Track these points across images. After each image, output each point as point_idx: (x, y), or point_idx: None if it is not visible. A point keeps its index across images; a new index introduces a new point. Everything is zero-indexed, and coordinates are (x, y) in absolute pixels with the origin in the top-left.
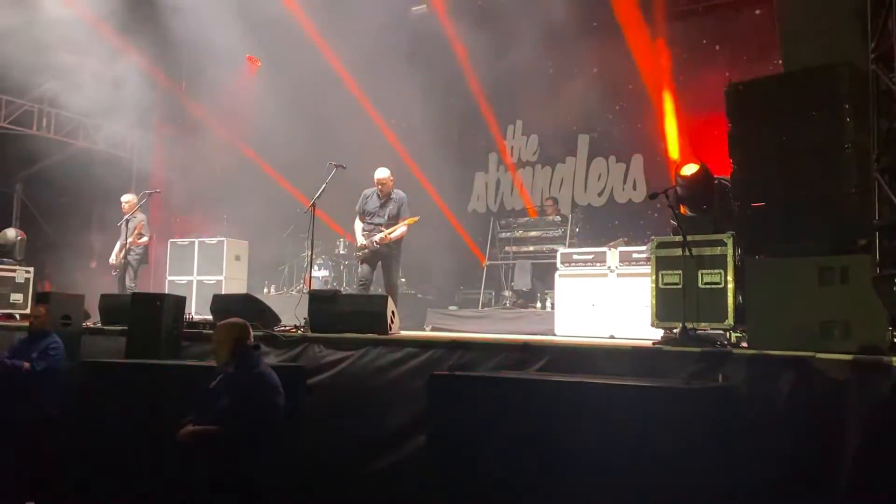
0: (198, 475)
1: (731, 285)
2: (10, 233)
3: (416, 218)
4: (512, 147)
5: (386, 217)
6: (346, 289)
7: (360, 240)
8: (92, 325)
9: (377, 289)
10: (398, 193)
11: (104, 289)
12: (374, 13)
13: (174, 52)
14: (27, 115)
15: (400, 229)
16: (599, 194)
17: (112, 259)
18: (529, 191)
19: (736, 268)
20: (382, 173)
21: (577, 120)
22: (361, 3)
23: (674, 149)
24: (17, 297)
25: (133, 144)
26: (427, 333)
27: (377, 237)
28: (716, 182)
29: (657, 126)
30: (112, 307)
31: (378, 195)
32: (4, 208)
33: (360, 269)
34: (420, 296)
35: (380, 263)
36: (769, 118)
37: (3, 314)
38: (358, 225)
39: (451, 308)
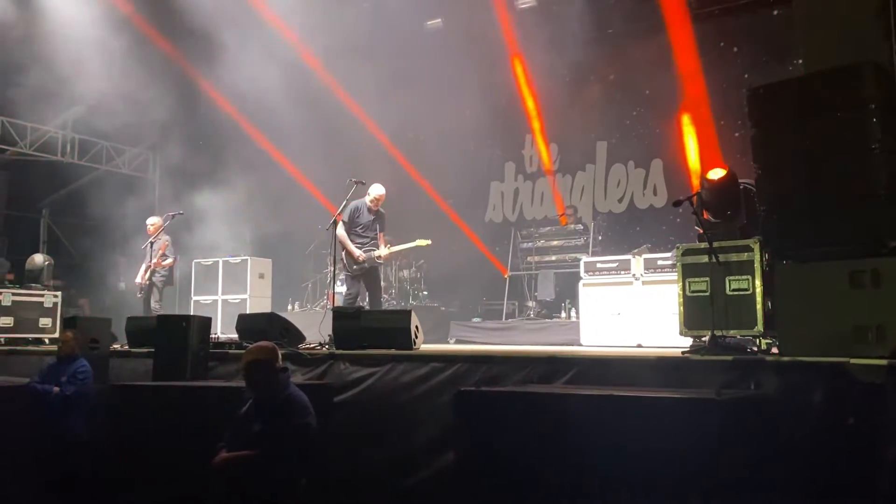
0: (231, 497)
1: (759, 291)
2: (38, 258)
3: (429, 241)
4: (531, 157)
5: (377, 231)
6: (369, 304)
7: (360, 253)
8: (119, 348)
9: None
10: (382, 210)
11: (131, 311)
12: (388, 27)
13: (195, 71)
14: (51, 142)
15: (404, 245)
16: (619, 200)
17: (137, 280)
18: (551, 199)
19: (764, 273)
20: (382, 190)
21: (595, 127)
22: (376, 17)
23: (693, 153)
24: (45, 322)
25: (156, 167)
26: (452, 347)
27: (382, 253)
28: (741, 187)
29: (676, 130)
30: (138, 330)
31: (369, 210)
32: (32, 234)
33: (351, 286)
34: (443, 308)
35: (367, 277)
36: (792, 121)
37: (33, 338)
38: (344, 236)
39: (474, 320)
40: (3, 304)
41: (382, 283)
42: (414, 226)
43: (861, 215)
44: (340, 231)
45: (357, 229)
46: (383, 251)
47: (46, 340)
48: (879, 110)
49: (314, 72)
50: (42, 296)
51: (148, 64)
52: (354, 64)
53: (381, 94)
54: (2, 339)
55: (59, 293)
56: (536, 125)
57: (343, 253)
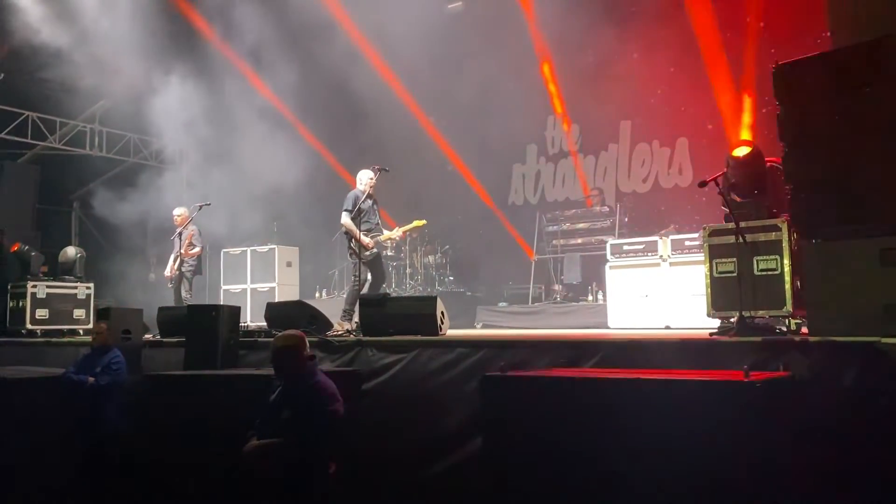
0: (263, 484)
1: (788, 271)
2: (70, 250)
3: (425, 221)
4: (553, 138)
5: (377, 216)
6: (395, 290)
7: (369, 240)
8: (151, 339)
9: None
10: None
11: (162, 302)
12: (410, 10)
13: (218, 60)
14: (80, 136)
15: (404, 227)
16: (644, 180)
17: (167, 272)
18: (573, 180)
19: (792, 252)
20: (372, 173)
21: (619, 106)
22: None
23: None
24: (79, 313)
25: (183, 158)
26: (478, 332)
27: (394, 235)
28: (767, 165)
29: (702, 108)
30: (170, 320)
31: (368, 196)
32: (64, 227)
33: (362, 272)
34: (469, 293)
35: (374, 263)
36: (820, 97)
37: (67, 330)
38: (353, 226)
39: (500, 305)
40: (38, 296)
41: (409, 269)
42: (440, 209)
43: (891, 192)
44: (348, 221)
45: (361, 216)
46: (395, 233)
47: (81, 331)
48: None
49: (342, 56)
50: (75, 287)
51: (173, 55)
52: (382, 48)
53: (405, 79)
54: (38, 331)
55: (91, 285)
56: (559, 106)
57: (352, 242)
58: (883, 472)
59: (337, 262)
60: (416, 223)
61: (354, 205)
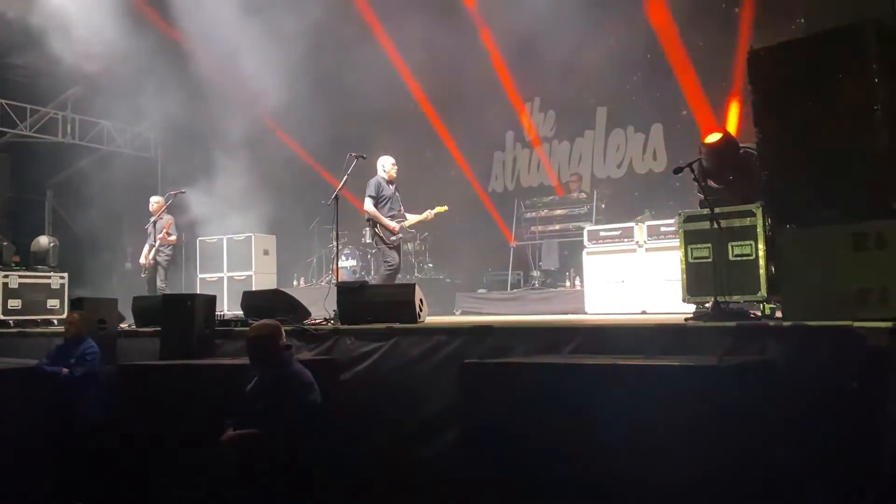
0: (239, 475)
1: (762, 256)
2: (43, 240)
3: (446, 207)
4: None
5: (400, 202)
6: (373, 277)
7: (395, 225)
8: (126, 328)
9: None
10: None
11: (137, 291)
12: None
13: (194, 47)
14: (52, 123)
15: (427, 213)
16: (618, 166)
17: (141, 260)
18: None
19: (767, 238)
20: (392, 159)
21: (595, 92)
22: None
23: (696, 117)
24: (53, 303)
25: (157, 146)
26: (457, 319)
27: (428, 214)
28: (742, 151)
29: (677, 94)
30: (145, 309)
31: (390, 182)
32: (37, 216)
33: (393, 258)
34: (448, 280)
35: (398, 248)
36: (794, 83)
37: (41, 320)
38: (376, 212)
39: (479, 291)
40: (10, 286)
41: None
42: (419, 196)
43: (864, 177)
44: (371, 208)
45: (384, 202)
46: (425, 214)
47: (55, 322)
48: (882, 70)
49: (314, 46)
50: (49, 277)
51: (145, 43)
52: (356, 34)
53: (383, 62)
54: (10, 322)
55: (65, 274)
56: (505, 90)
57: (377, 227)
58: (855, 455)
59: (315, 250)
60: (438, 209)
61: (377, 191)
